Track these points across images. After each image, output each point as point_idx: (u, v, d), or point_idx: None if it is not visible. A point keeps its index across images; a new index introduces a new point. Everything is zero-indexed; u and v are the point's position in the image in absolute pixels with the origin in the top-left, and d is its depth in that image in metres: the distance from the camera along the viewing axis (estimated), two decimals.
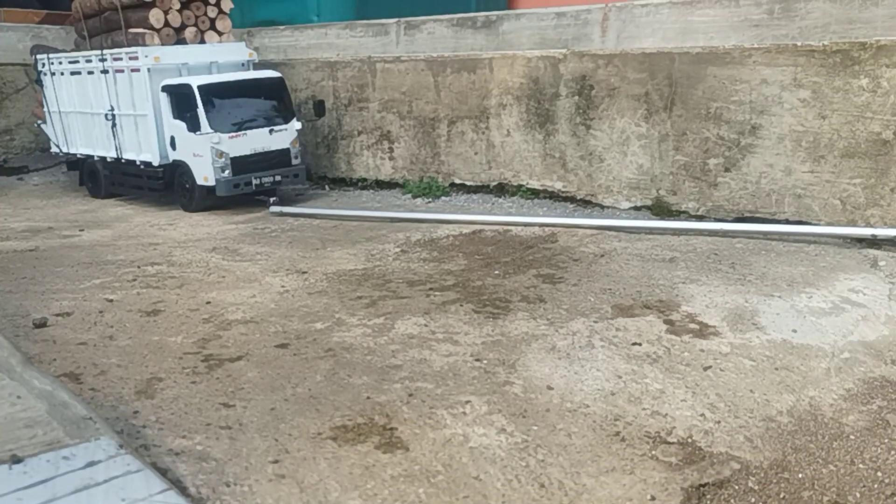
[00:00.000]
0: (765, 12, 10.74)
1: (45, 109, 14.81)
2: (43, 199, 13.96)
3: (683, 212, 9.95)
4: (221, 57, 12.72)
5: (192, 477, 4.24)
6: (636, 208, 10.40)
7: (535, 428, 4.85)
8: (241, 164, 11.80)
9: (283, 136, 12.25)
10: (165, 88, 12.08)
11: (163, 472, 4.17)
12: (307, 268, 8.54)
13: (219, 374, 5.69)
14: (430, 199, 12.16)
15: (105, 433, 4.29)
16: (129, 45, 12.61)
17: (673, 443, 4.71)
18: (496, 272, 8.07)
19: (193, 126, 11.63)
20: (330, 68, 13.86)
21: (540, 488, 4.23)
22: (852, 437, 4.79)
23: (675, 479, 4.36)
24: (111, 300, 7.50)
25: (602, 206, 10.72)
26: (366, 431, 4.80)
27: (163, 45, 12.55)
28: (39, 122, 15.31)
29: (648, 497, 4.20)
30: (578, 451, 4.61)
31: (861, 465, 4.48)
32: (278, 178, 12.22)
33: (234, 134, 11.75)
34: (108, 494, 3.70)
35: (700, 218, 9.75)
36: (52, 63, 14.31)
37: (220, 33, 13.14)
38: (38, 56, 14.64)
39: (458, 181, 12.44)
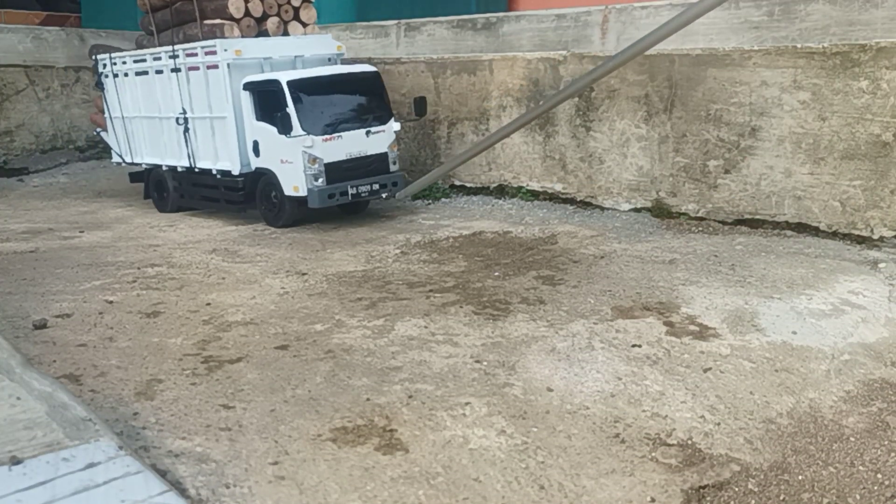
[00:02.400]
0: (765, 14, 10.77)
1: (106, 116, 13.41)
2: (43, 201, 13.95)
3: (683, 213, 9.95)
4: (307, 50, 11.32)
5: (192, 478, 4.24)
6: (636, 210, 10.41)
7: (535, 430, 4.85)
8: (335, 172, 10.33)
9: (381, 139, 10.79)
10: (248, 86, 10.64)
11: (162, 474, 4.17)
12: (307, 269, 8.54)
13: (219, 375, 5.69)
14: (431, 201, 12.16)
15: (105, 435, 4.29)
16: (204, 39, 11.14)
17: (673, 444, 4.71)
18: (496, 274, 8.07)
19: (282, 128, 10.09)
20: None
21: (540, 490, 4.23)
22: (852, 439, 4.79)
23: (674, 481, 4.36)
24: (111, 301, 7.50)
25: (602, 208, 10.73)
26: (366, 433, 4.80)
27: (243, 37, 11.06)
28: (99, 130, 13.97)
29: (648, 499, 4.19)
30: (578, 452, 4.61)
31: (861, 467, 4.48)
32: (376, 186, 10.68)
33: (328, 137, 10.28)
34: (107, 496, 3.70)
35: (700, 220, 9.75)
36: (115, 63, 12.86)
37: (304, 24, 11.74)
38: (99, 56, 13.23)
39: (458, 183, 12.45)
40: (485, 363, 5.82)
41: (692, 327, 6.37)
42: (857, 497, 4.31)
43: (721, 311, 6.63)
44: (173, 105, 11.81)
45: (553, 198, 11.31)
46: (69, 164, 17.06)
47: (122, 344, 6.39)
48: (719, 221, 9.60)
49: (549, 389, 5.39)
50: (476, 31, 13.96)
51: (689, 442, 4.74)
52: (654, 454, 4.61)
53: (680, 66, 9.82)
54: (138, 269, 8.71)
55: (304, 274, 8.36)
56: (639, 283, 7.51)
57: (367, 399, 5.25)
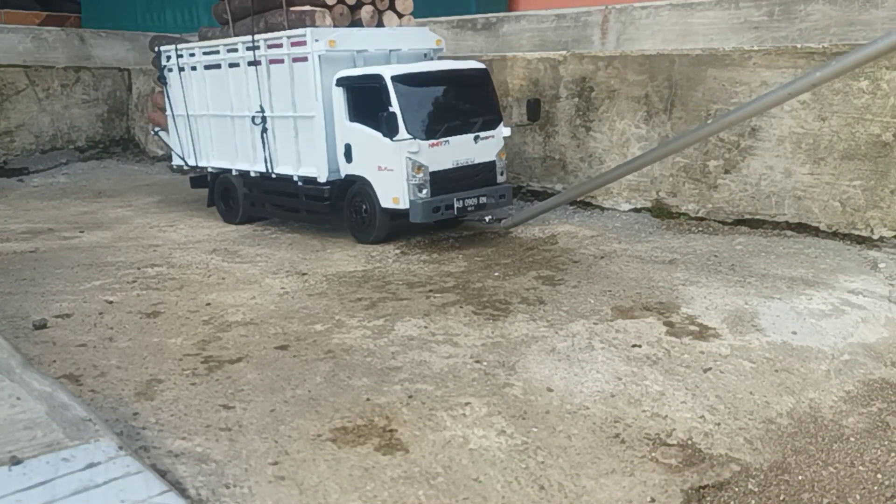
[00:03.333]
0: (765, 14, 10.77)
1: (168, 113, 12.09)
2: (43, 201, 13.95)
3: (683, 213, 9.96)
4: (404, 44, 10.11)
5: (192, 478, 4.24)
6: (636, 210, 10.41)
7: (535, 430, 4.85)
8: (441, 182, 9.09)
9: (490, 146, 9.57)
10: (343, 82, 9.37)
11: (162, 474, 4.17)
12: (307, 269, 8.55)
13: (218, 375, 5.69)
14: None
15: (105, 435, 4.29)
16: (290, 28, 9.85)
17: (673, 445, 4.71)
18: (496, 274, 8.07)
19: (386, 130, 8.81)
20: None
21: (539, 490, 4.23)
22: (852, 439, 4.79)
23: (674, 481, 4.36)
24: (111, 302, 7.50)
25: (602, 208, 10.73)
26: (366, 433, 4.80)
27: (335, 26, 9.78)
28: (158, 129, 12.73)
29: (648, 499, 4.19)
30: (578, 452, 4.61)
31: (861, 468, 4.48)
32: (483, 199, 9.46)
33: (435, 142, 8.99)
34: (107, 496, 3.70)
35: (700, 220, 9.76)
36: (182, 56, 11.53)
37: (399, 15, 10.49)
38: (163, 48, 11.88)
39: None
40: (485, 363, 5.82)
41: (692, 327, 6.37)
42: (857, 497, 4.31)
43: (721, 312, 6.63)
44: (249, 103, 10.56)
45: None
46: (69, 164, 17.08)
47: (122, 344, 6.39)
48: (719, 221, 9.60)
49: (549, 389, 5.39)
50: (476, 31, 13.96)
51: (689, 442, 4.74)
52: (654, 454, 4.61)
53: (680, 67, 9.82)
54: (138, 269, 8.71)
55: (304, 274, 8.36)
56: (639, 283, 7.51)
57: (367, 399, 5.25)
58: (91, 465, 3.93)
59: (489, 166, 9.59)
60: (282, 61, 9.92)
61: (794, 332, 6.19)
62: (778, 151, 9.12)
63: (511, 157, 11.66)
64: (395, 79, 8.99)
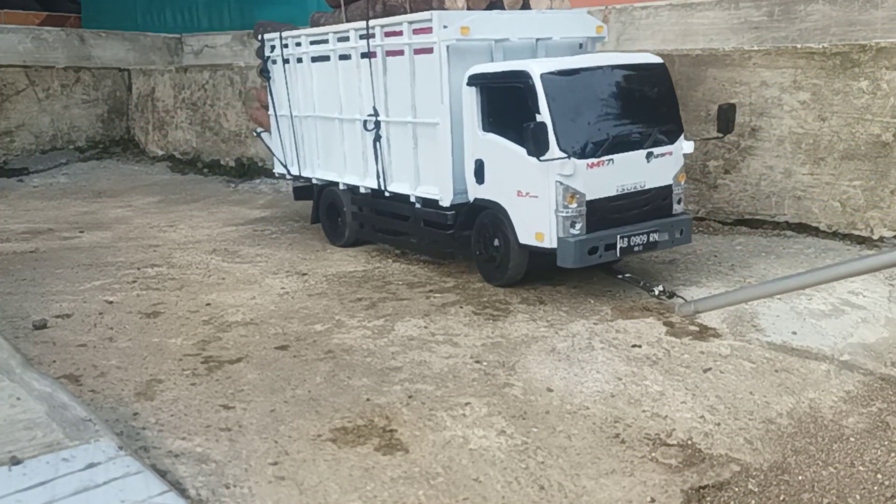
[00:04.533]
0: (765, 14, 10.77)
1: (271, 113, 10.52)
2: (43, 201, 13.95)
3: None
4: (555, 31, 8.06)
5: (192, 479, 4.24)
6: None
7: (535, 430, 4.85)
8: (601, 213, 6.90)
9: (666, 165, 7.30)
10: (476, 80, 7.37)
11: (162, 474, 4.17)
12: (307, 269, 8.55)
13: (218, 375, 5.69)
14: None
15: (105, 435, 4.29)
16: (413, 11, 8.06)
17: (673, 445, 4.71)
18: None
19: (532, 145, 6.60)
20: None
21: (539, 490, 4.23)
22: (852, 439, 4.79)
23: (674, 482, 4.36)
24: (111, 302, 7.50)
25: None
26: (366, 433, 4.80)
27: (470, 9, 7.96)
28: (260, 130, 11.05)
29: (648, 499, 4.19)
30: (578, 453, 4.61)
31: (861, 468, 4.48)
32: (654, 236, 7.23)
33: (595, 161, 6.78)
34: (107, 496, 3.70)
35: (700, 220, 9.75)
36: (286, 45, 9.88)
37: None
38: (267, 36, 10.25)
39: None
40: (485, 363, 5.82)
41: (692, 327, 6.37)
42: (857, 497, 4.31)
43: (721, 312, 6.63)
44: (361, 103, 8.80)
45: None
46: (69, 164, 17.07)
47: (121, 344, 6.39)
48: (719, 221, 9.60)
49: (549, 390, 5.39)
50: None
51: (689, 442, 4.74)
52: (654, 454, 4.61)
53: (680, 66, 9.82)
54: (138, 269, 8.71)
55: (304, 274, 8.36)
56: (639, 283, 7.51)
57: (367, 399, 5.25)
58: (91, 466, 3.93)
59: (664, 192, 7.31)
60: (401, 53, 8.11)
61: (794, 333, 6.19)
62: (778, 151, 9.12)
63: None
64: (546, 77, 6.86)
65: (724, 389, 5.31)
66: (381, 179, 8.69)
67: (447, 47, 7.55)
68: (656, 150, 7.17)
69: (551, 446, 4.66)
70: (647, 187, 7.19)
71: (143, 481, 3.84)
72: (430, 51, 7.73)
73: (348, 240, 9.50)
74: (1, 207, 13.33)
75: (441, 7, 7.84)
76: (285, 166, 10.49)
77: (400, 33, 8.08)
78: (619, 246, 6.99)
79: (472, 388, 5.42)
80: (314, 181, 10.00)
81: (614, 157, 6.91)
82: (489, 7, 8.12)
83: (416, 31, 7.88)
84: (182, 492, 4.03)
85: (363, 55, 8.59)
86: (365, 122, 8.72)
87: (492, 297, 7.30)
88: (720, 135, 7.72)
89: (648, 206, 7.23)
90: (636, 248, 7.14)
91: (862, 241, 8.46)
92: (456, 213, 7.87)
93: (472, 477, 4.34)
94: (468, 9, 7.96)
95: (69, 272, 8.62)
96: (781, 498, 4.29)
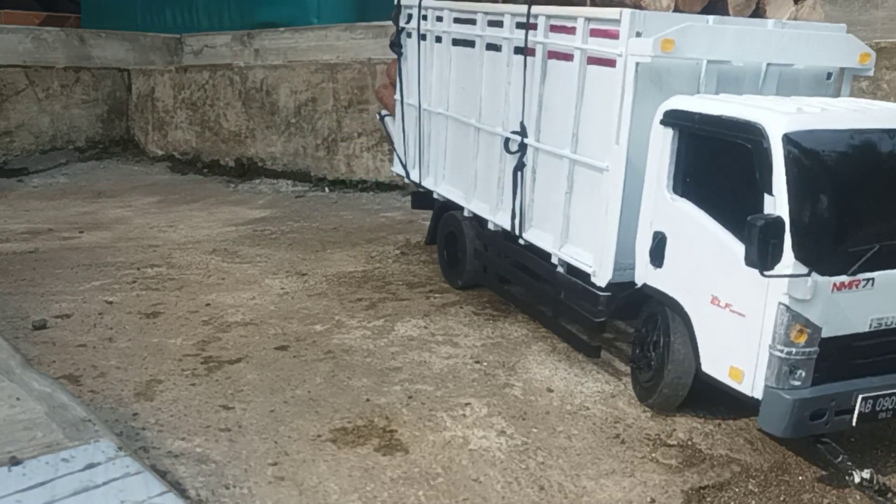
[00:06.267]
0: None
1: (397, 97, 8.57)
2: (42, 201, 13.94)
3: None
4: (798, 54, 5.62)
5: (192, 479, 4.24)
6: None
7: (535, 430, 4.85)
8: (836, 358, 4.51)
9: None
10: (675, 118, 5.08)
11: (162, 475, 4.16)
12: (307, 270, 8.54)
13: (218, 376, 5.69)
14: None
15: (104, 435, 4.28)
16: (601, 5, 5.73)
17: (673, 445, 4.71)
18: None
19: (757, 245, 4.20)
20: (330, 70, 13.86)
21: (540, 491, 4.22)
22: (853, 439, 4.79)
23: (675, 482, 4.36)
24: (111, 302, 7.50)
25: None
26: (365, 434, 4.79)
27: (679, 11, 5.56)
28: (384, 113, 9.23)
29: (648, 500, 4.19)
30: (578, 453, 4.61)
31: None
32: None
33: (845, 281, 4.42)
34: (107, 496, 3.70)
35: None
36: (426, 17, 7.83)
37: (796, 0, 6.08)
38: (405, 3, 8.25)
39: None
40: (485, 364, 5.81)
41: None
42: (857, 497, 4.31)
43: None
44: (505, 113, 6.67)
45: None
46: (69, 164, 17.06)
47: (121, 344, 6.38)
48: None
49: (550, 390, 5.39)
50: None
51: (690, 442, 4.73)
52: (654, 455, 4.61)
53: None
54: (138, 269, 8.70)
55: (303, 274, 8.35)
56: None
57: (367, 400, 5.25)
58: (91, 466, 3.93)
59: None
60: (569, 58, 5.84)
61: None
62: None
63: None
64: (792, 140, 4.41)
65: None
66: (517, 220, 6.51)
67: (636, 64, 5.15)
68: None
69: (551, 447, 4.66)
70: None
71: (143, 482, 3.84)
72: (610, 63, 5.40)
73: (467, 281, 7.47)
74: (1, 207, 13.33)
75: (636, 6, 5.39)
76: (404, 167, 8.55)
77: (571, 31, 5.80)
78: (857, 410, 4.43)
79: (472, 388, 5.42)
80: (436, 196, 7.99)
81: (876, 275, 4.46)
82: (706, 10, 5.61)
83: (594, 33, 5.61)
84: (182, 492, 4.03)
85: (517, 50, 6.48)
86: (507, 140, 6.55)
87: (492, 298, 7.30)
88: None
89: None
90: (883, 415, 4.54)
91: None
92: (612, 297, 5.49)
93: (472, 477, 4.33)
94: (678, 10, 5.53)
95: (69, 272, 8.61)
96: (781, 498, 4.29)
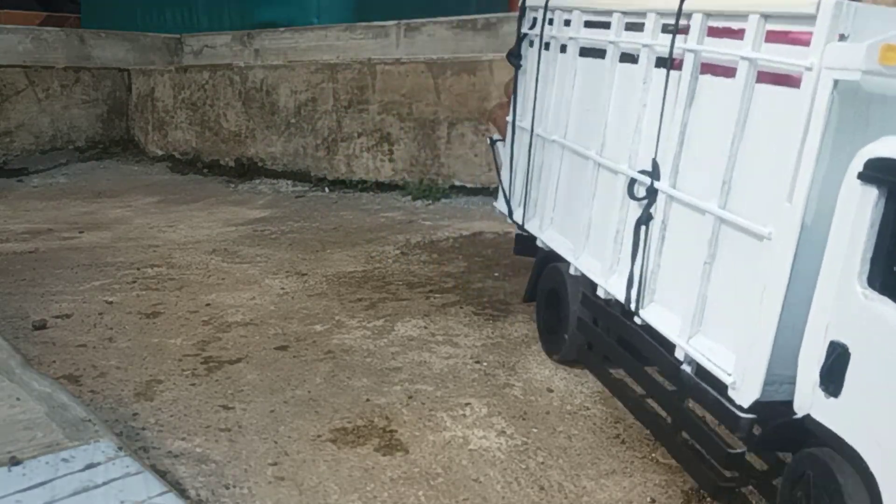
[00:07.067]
0: None
1: (510, 118, 7.10)
2: (42, 201, 13.93)
3: None
4: None
5: (192, 479, 4.24)
6: None
7: (535, 430, 4.85)
8: None
9: None
10: (882, 170, 3.27)
11: (162, 475, 4.16)
12: (307, 270, 8.54)
13: (218, 376, 5.69)
14: (431, 202, 12.15)
15: (104, 435, 4.28)
16: None
17: None
18: (496, 274, 8.06)
19: None
20: (330, 70, 13.86)
21: (540, 491, 4.22)
22: None
23: (675, 482, 4.35)
24: (111, 302, 7.49)
25: None
26: (365, 434, 4.79)
27: None
28: (495, 137, 7.78)
29: (648, 500, 4.19)
30: (578, 453, 4.60)
31: None
32: None
33: None
34: (107, 496, 3.70)
35: None
36: (552, 21, 6.37)
37: None
38: (531, 2, 6.83)
39: (458, 183, 12.43)
40: (485, 364, 5.81)
41: None
42: None
43: None
44: (634, 146, 5.09)
45: None
46: (69, 164, 17.06)
47: (121, 344, 6.38)
48: None
49: (550, 390, 5.38)
50: (476, 31, 13.95)
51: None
52: (654, 454, 4.61)
53: None
54: (138, 269, 8.70)
55: (303, 274, 8.35)
56: None
57: (367, 400, 5.24)
58: (91, 466, 3.93)
59: None
60: (730, 73, 4.26)
61: None
62: None
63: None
64: None
65: None
66: (634, 291, 4.87)
67: (835, 83, 3.51)
68: None
69: (551, 447, 4.66)
70: None
71: (143, 482, 3.84)
72: (792, 82, 3.81)
73: (565, 355, 5.87)
74: (1, 207, 13.32)
75: None
76: (508, 203, 6.92)
77: (738, 34, 4.22)
78: None
79: (472, 388, 5.42)
80: (539, 242, 6.37)
81: None
82: None
83: (771, 37, 4.02)
84: (182, 492, 4.03)
85: (659, 62, 4.92)
86: (632, 182, 4.96)
87: (492, 298, 7.30)
88: None
89: None
90: None
91: None
92: (756, 419, 3.84)
93: (472, 477, 4.33)
94: None
95: (69, 272, 8.60)
96: None
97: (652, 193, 4.74)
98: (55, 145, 17.36)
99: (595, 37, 5.74)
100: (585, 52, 5.89)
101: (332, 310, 7.12)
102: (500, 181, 7.19)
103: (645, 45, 5.03)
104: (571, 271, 5.74)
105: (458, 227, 10.29)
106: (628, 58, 5.31)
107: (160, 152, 17.34)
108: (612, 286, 5.15)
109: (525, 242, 6.80)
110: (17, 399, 4.66)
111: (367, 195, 13.20)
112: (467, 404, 5.16)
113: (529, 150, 6.54)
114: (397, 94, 12.88)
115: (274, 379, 5.61)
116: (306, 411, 5.08)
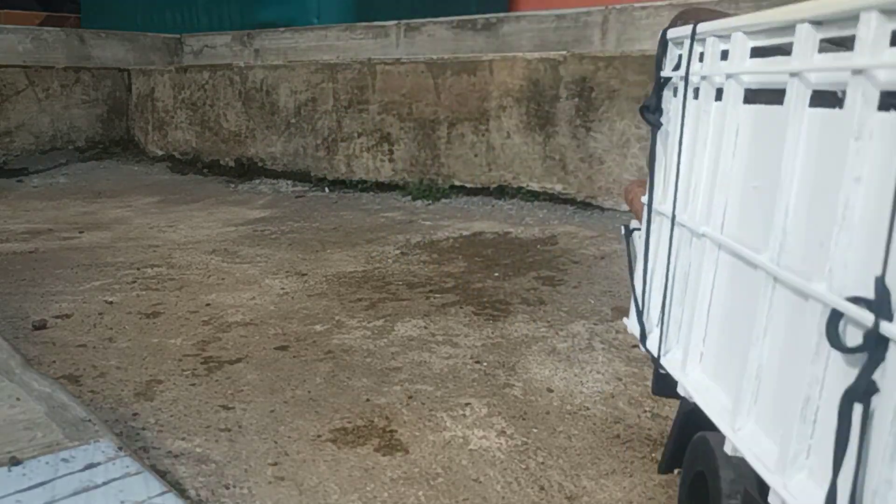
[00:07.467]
0: None
1: (645, 200, 4.03)
2: (42, 201, 13.94)
3: None
4: None
5: (192, 479, 4.24)
6: None
7: (535, 430, 4.85)
8: None
9: None
10: None
11: (162, 475, 4.16)
12: (307, 270, 8.54)
13: (218, 376, 5.69)
14: (430, 202, 12.16)
15: (104, 435, 4.28)
16: None
17: None
18: (496, 274, 8.07)
19: None
20: (330, 70, 13.87)
21: (539, 491, 4.22)
22: None
23: (675, 482, 4.35)
24: (111, 302, 7.50)
25: (602, 209, 10.73)
26: (365, 434, 4.79)
27: None
28: (632, 226, 4.47)
29: (648, 499, 4.19)
30: (578, 453, 4.60)
31: None
32: None
33: None
34: (107, 497, 3.70)
35: None
36: (704, 55, 3.15)
37: None
38: (673, 33, 3.44)
39: (457, 183, 12.45)
40: (485, 364, 5.81)
41: None
42: None
43: None
44: (838, 251, 2.06)
45: (553, 198, 11.32)
46: (69, 164, 17.07)
47: (121, 344, 6.38)
48: None
49: (550, 390, 5.38)
50: (476, 31, 13.96)
51: None
52: (654, 455, 4.60)
53: None
54: (138, 269, 8.70)
55: (303, 274, 8.35)
56: None
57: (367, 400, 5.24)
58: (90, 466, 3.93)
59: None
60: None
61: None
62: None
63: (511, 157, 11.66)
64: None
65: None
66: (860, 487, 1.94)
67: None
68: None
69: (551, 447, 4.66)
70: None
71: (143, 482, 3.84)
72: None
73: None
74: (0, 208, 13.33)
75: None
76: (641, 321, 4.12)
77: None
78: None
79: (472, 388, 5.42)
80: (679, 389, 3.47)
81: None
82: None
83: None
84: (182, 492, 4.03)
85: (885, 101, 2.00)
86: (836, 316, 2.08)
87: (492, 298, 7.30)
88: None
89: None
90: None
91: None
92: None
93: (472, 477, 4.33)
94: None
95: (69, 272, 8.61)
96: None
97: (876, 344, 2.09)
98: (55, 145, 17.38)
99: (768, 69, 2.97)
100: (752, 95, 3.49)
101: (332, 310, 7.12)
102: (633, 289, 4.60)
103: (856, 72, 2.16)
104: (728, 449, 2.93)
105: (458, 227, 10.30)
106: (824, 98, 2.59)
107: (160, 152, 17.35)
108: (796, 490, 2.40)
109: (665, 384, 4.07)
110: (17, 399, 4.66)
111: (367, 195, 13.22)
112: (467, 404, 5.16)
113: (670, 248, 4.05)
114: (397, 94, 12.89)
115: (274, 379, 5.61)
116: (306, 411, 5.08)
